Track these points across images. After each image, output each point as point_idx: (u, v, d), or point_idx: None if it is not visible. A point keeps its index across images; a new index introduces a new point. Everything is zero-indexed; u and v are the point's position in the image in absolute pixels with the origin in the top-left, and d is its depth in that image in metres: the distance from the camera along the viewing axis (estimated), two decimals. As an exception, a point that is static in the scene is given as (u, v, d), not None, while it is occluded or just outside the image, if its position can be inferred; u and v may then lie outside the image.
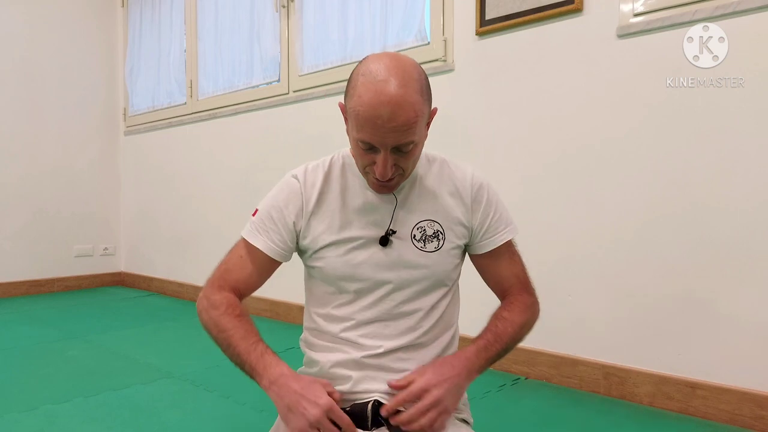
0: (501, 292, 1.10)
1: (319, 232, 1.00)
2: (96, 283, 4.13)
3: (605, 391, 1.84)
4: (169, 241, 3.85)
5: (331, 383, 0.94)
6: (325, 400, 0.86)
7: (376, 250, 0.98)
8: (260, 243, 1.01)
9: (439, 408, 0.89)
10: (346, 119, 0.95)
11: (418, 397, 0.89)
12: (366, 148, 0.89)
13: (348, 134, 0.94)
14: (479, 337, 1.00)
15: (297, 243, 1.03)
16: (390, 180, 0.93)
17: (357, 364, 0.97)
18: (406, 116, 0.84)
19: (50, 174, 3.87)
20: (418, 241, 0.99)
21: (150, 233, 4.03)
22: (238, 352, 0.94)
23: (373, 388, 0.95)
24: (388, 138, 0.85)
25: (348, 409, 0.93)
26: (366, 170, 0.94)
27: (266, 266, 1.03)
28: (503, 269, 1.08)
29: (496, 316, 1.04)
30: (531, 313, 1.06)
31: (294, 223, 1.01)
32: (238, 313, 0.98)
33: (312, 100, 2.82)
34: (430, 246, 1.00)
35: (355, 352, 0.97)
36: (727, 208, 1.62)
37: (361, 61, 0.90)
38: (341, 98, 0.97)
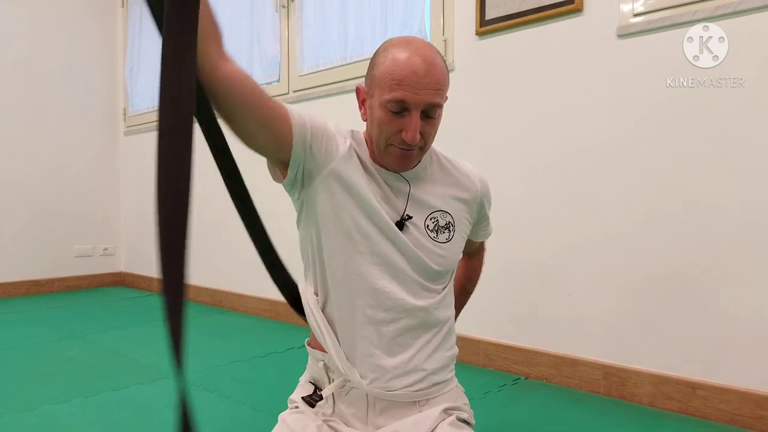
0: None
1: (344, 172, 0.95)
2: (96, 283, 4.13)
3: (605, 391, 1.84)
4: (169, 241, 3.84)
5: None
6: None
7: (392, 231, 0.98)
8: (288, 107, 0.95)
9: None
10: (363, 102, 0.98)
11: None
12: (397, 110, 0.91)
13: (368, 114, 0.97)
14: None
15: (306, 154, 0.96)
16: (411, 150, 0.94)
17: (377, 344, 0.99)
18: (437, 75, 0.90)
19: (50, 174, 3.87)
20: (432, 231, 1.02)
21: (150, 233, 4.03)
22: None
23: (397, 385, 0.98)
24: (422, 94, 0.89)
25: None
26: (389, 141, 0.94)
27: (276, 114, 0.93)
28: (475, 246, 1.25)
29: (464, 292, 1.29)
30: (479, 260, 1.32)
31: (314, 141, 0.95)
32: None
33: (312, 100, 2.81)
34: (442, 237, 1.03)
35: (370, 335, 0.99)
36: (727, 207, 1.62)
37: (384, 43, 0.96)
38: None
